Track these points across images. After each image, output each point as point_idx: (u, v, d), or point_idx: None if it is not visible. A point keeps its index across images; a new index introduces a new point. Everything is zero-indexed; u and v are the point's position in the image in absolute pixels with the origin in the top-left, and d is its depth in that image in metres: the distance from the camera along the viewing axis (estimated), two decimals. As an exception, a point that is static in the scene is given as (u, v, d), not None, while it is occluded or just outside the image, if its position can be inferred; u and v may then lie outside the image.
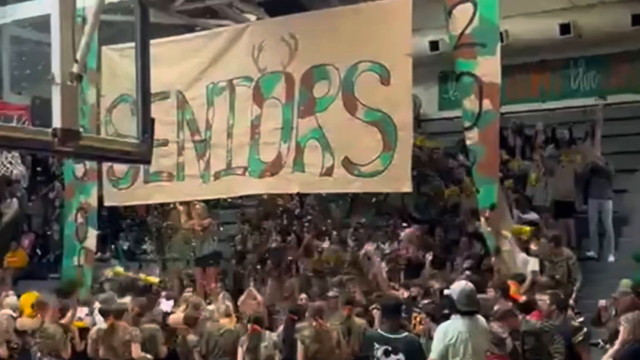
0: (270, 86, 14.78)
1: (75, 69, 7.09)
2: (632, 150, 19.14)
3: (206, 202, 17.22)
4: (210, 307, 13.71)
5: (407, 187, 13.65)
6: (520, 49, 20.39)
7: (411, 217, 17.84)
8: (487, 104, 12.35)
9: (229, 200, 18.90)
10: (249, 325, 12.75)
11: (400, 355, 9.20)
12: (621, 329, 10.20)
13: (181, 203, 17.70)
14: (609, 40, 20.42)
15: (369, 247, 15.68)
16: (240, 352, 12.71)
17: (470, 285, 9.44)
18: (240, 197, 18.12)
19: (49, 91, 7.12)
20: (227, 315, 13.31)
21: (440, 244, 17.00)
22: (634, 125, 19.64)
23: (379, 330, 9.90)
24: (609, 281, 12.59)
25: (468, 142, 12.69)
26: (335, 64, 13.90)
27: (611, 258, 16.65)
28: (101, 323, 13.26)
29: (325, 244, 17.07)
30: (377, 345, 9.36)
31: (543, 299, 11.16)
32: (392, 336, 9.36)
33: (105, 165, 16.38)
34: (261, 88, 14.90)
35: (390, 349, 9.22)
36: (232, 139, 15.21)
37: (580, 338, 10.75)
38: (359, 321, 12.80)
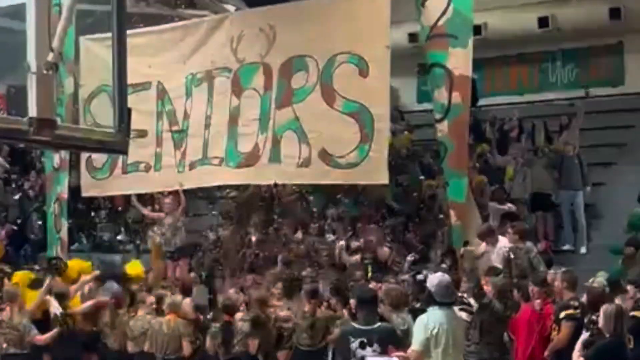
0: (248, 77, 14.75)
1: (51, 57, 7.07)
2: (609, 143, 19.26)
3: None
4: (178, 298, 13.53)
5: (383, 179, 13.64)
6: (498, 42, 20.51)
7: (389, 208, 17.86)
8: (456, 96, 12.26)
9: (204, 191, 18.83)
10: (223, 316, 12.72)
11: (376, 346, 9.21)
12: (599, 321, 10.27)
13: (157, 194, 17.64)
14: (587, 33, 20.56)
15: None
16: (210, 343, 12.68)
17: (447, 277, 9.52)
18: (219, 188, 18.07)
19: (25, 80, 7.10)
20: (174, 311, 13.02)
21: (415, 238, 17.06)
22: (611, 119, 19.76)
23: (352, 324, 9.88)
24: (581, 274, 12.62)
25: (438, 135, 12.65)
26: (314, 55, 13.85)
27: (583, 250, 16.71)
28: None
29: (299, 235, 17.05)
30: (352, 339, 9.36)
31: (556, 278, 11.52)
32: (366, 328, 9.37)
33: (84, 156, 16.33)
34: (240, 79, 14.86)
35: (365, 340, 9.24)
36: (210, 130, 15.18)
37: (562, 315, 10.95)
38: (327, 314, 12.75)
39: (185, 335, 12.73)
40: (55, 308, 13.52)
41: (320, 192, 17.81)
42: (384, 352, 9.27)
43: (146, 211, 17.71)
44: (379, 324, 9.60)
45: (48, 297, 13.81)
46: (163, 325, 12.83)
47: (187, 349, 12.68)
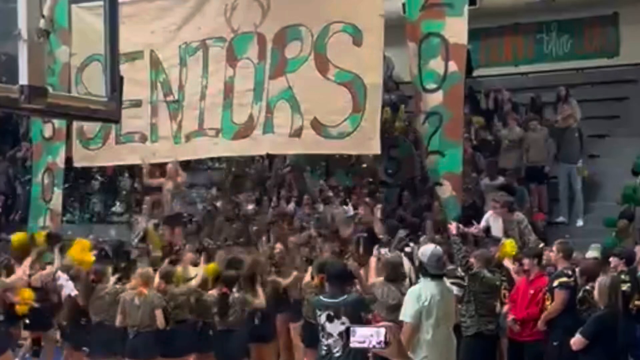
0: (243, 47, 14.66)
1: (42, 24, 6.97)
2: (604, 115, 19.21)
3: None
4: (149, 270, 13.30)
5: (375, 149, 13.61)
6: (493, 12, 20.38)
7: (382, 181, 17.81)
8: (452, 65, 12.24)
9: (200, 161, 18.76)
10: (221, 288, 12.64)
11: (344, 319, 9.09)
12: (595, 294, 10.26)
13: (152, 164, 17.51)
14: (582, 4, 20.45)
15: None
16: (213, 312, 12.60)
17: (439, 248, 9.48)
18: (220, 159, 18.02)
19: (15, 47, 7.01)
20: (145, 283, 12.59)
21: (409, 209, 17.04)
22: (606, 90, 19.69)
23: (320, 297, 9.80)
24: (577, 246, 12.62)
25: (431, 105, 12.53)
26: (308, 25, 13.78)
27: (579, 222, 16.70)
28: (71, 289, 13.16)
29: (292, 206, 16.98)
30: (319, 312, 9.29)
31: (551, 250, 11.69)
32: (332, 301, 9.27)
33: (76, 126, 16.21)
34: (234, 49, 14.77)
35: (332, 314, 9.14)
36: (205, 101, 15.09)
37: (555, 283, 11.01)
38: None
39: (159, 306, 12.31)
40: (69, 289, 13.35)
41: (313, 162, 17.80)
42: (354, 322, 9.12)
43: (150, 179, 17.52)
44: (345, 296, 9.45)
45: (60, 273, 13.65)
46: (134, 298, 12.62)
47: (160, 320, 12.26)
